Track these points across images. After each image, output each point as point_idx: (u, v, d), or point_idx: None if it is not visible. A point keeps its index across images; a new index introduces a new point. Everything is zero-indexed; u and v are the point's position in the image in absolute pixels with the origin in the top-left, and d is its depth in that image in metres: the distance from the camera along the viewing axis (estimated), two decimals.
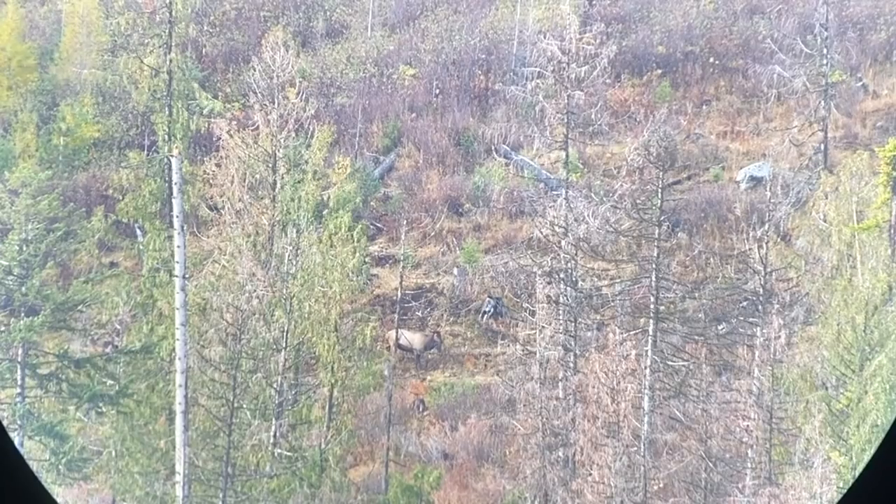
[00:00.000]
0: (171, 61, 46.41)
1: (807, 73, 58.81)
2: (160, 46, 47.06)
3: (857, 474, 29.51)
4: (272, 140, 39.72)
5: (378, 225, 56.95)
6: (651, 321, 35.15)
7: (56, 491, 32.30)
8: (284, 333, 36.43)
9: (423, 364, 49.14)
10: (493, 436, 43.63)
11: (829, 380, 34.81)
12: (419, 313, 51.83)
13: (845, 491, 22.21)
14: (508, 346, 44.42)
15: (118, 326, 40.85)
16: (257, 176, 40.28)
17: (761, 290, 36.73)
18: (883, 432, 29.02)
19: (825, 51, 58.41)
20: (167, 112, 46.32)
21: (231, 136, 40.49)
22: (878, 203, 39.93)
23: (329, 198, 42.58)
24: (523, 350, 39.88)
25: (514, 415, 38.68)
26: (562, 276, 39.23)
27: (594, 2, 70.65)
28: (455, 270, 53.62)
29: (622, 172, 46.01)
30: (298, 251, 37.98)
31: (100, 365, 33.21)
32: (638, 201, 36.80)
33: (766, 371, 35.13)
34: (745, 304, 39.84)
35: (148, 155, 51.45)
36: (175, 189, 29.24)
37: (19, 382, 32.22)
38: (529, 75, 50.74)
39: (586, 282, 40.23)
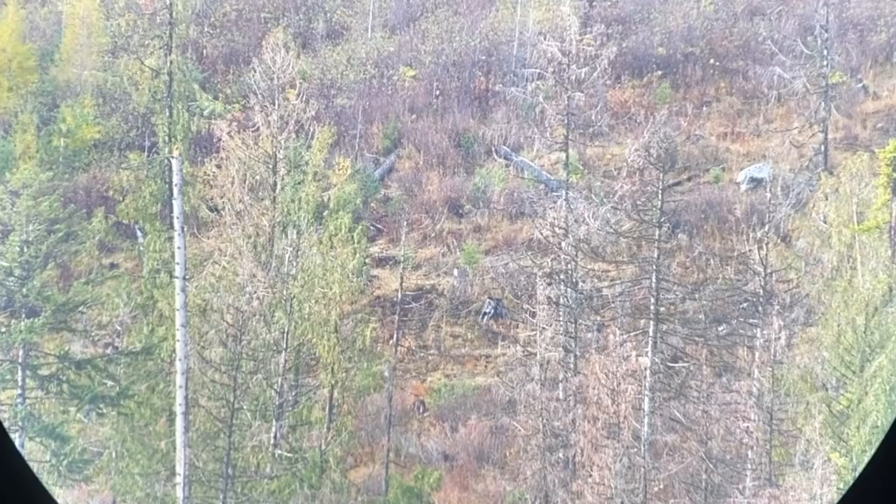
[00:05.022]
0: (171, 63, 46.55)
1: (807, 74, 58.83)
2: (161, 48, 47.22)
3: (857, 475, 29.49)
4: (272, 141, 39.72)
5: (378, 226, 56.94)
6: (651, 322, 35.14)
7: (57, 492, 32.28)
8: (285, 335, 36.43)
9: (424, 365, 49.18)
10: (493, 437, 43.63)
11: (829, 381, 34.83)
12: (419, 315, 51.84)
13: (845, 492, 22.19)
14: (509, 347, 44.56)
15: (119, 328, 40.87)
16: (258, 177, 40.27)
17: (761, 291, 36.73)
18: (883, 433, 29.00)
19: (825, 52, 58.42)
20: (168, 113, 46.46)
21: (231, 137, 40.49)
22: (879, 204, 39.91)
23: (329, 199, 42.60)
24: (524, 351, 39.93)
25: (514, 416, 38.70)
26: (562, 277, 39.24)
27: (594, 3, 70.67)
28: (455, 272, 53.61)
29: (622, 174, 45.98)
30: (299, 252, 37.98)
31: (100, 366, 33.21)
32: (638, 202, 36.79)
33: (766, 372, 35.14)
34: (745, 305, 39.81)
35: (148, 156, 51.51)
36: (175, 190, 29.23)
37: (20, 384, 32.22)
38: (530, 76, 50.85)
39: (586, 283, 40.22)
